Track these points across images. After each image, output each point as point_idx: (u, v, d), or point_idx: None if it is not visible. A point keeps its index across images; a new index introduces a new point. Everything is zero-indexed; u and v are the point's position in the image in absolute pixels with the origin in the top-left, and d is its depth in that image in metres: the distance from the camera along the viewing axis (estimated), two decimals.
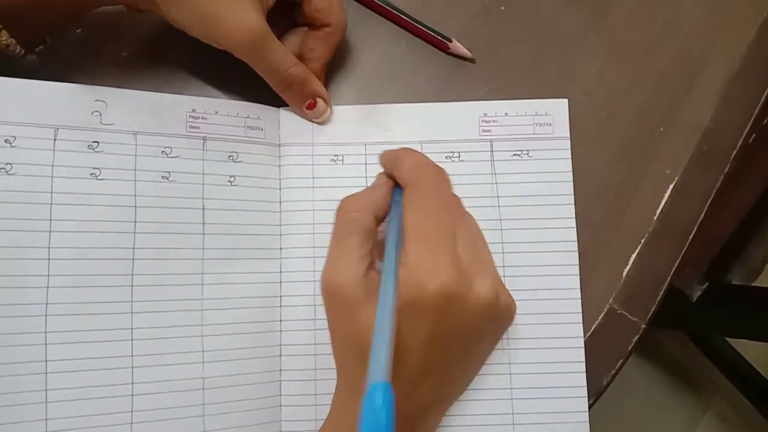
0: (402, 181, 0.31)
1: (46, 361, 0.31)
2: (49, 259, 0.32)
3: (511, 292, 0.36)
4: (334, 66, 0.38)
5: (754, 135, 0.68)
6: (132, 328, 0.33)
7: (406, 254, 0.27)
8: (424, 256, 0.27)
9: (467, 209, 0.37)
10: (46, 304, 0.31)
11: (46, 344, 0.31)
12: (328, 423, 0.30)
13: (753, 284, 0.67)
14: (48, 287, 0.31)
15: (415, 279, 0.26)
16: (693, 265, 0.66)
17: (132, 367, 0.32)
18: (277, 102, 0.37)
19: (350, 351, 0.29)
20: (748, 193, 0.66)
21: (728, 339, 0.87)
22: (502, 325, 0.33)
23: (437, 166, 0.31)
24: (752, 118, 0.40)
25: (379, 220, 0.30)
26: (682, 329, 0.90)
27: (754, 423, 0.92)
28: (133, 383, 0.32)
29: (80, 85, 0.34)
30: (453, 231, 0.28)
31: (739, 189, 0.66)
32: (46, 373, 0.31)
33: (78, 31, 0.38)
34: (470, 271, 0.27)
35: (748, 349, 0.88)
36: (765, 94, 0.40)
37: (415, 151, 0.32)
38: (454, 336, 0.28)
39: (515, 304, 0.32)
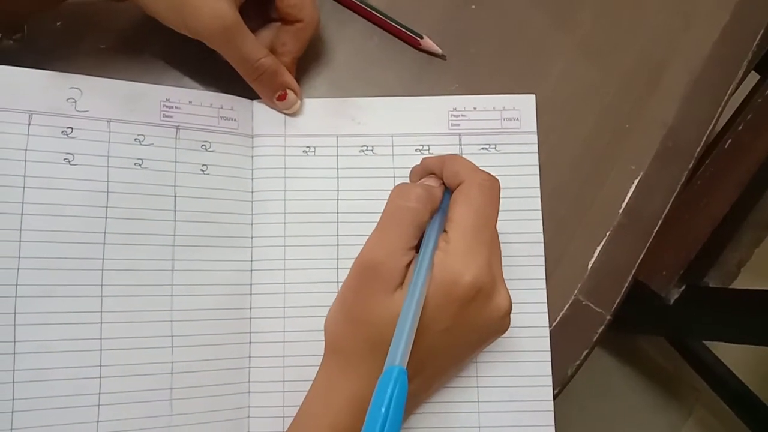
0: (456, 177, 0.30)
1: (15, 341, 0.31)
2: (20, 241, 0.32)
3: None
4: (307, 60, 0.39)
5: (729, 140, 0.70)
6: (101, 312, 0.33)
7: (447, 241, 0.28)
8: (465, 247, 0.27)
9: None
10: (17, 285, 0.32)
11: (15, 325, 0.31)
12: (312, 400, 0.31)
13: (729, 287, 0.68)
14: (18, 269, 0.32)
15: (453, 266, 0.27)
16: (669, 269, 0.66)
17: (101, 350, 0.33)
18: (252, 95, 0.38)
19: (362, 332, 0.29)
20: (723, 197, 0.67)
21: (706, 343, 0.88)
22: (493, 339, 0.33)
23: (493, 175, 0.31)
24: (716, 116, 0.41)
25: (429, 219, 0.30)
26: (659, 333, 0.91)
27: (736, 431, 0.92)
28: (101, 366, 0.33)
29: (56, 72, 0.34)
30: (492, 236, 0.29)
31: (715, 194, 0.67)
32: (14, 353, 0.31)
33: (58, 23, 0.39)
34: (498, 279, 0.29)
35: (727, 354, 0.89)
36: (728, 93, 0.41)
37: None
38: (467, 333, 0.29)
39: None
